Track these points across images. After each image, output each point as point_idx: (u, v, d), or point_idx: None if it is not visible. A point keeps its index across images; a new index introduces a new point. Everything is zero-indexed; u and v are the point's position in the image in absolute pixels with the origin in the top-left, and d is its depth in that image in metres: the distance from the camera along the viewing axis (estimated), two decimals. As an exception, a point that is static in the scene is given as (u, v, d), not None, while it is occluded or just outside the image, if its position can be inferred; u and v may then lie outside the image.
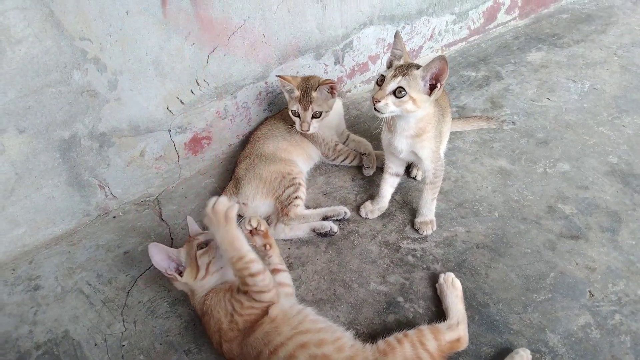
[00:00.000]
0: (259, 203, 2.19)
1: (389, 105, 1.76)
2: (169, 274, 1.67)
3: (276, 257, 1.86)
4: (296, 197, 2.15)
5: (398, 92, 1.75)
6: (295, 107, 2.26)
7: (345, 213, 2.18)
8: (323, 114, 2.28)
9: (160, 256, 1.67)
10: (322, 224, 2.13)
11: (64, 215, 2.20)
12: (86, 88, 1.95)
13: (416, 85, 1.76)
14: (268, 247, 1.85)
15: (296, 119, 2.28)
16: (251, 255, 1.54)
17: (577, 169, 2.34)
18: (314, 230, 2.13)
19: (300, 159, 2.39)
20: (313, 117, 2.25)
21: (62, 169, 2.08)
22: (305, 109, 2.24)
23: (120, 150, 2.18)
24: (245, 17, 2.20)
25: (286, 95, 2.31)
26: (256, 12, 2.22)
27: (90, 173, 2.16)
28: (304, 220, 2.14)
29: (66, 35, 1.80)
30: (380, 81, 1.81)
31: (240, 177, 2.24)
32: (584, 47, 3.27)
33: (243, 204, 2.19)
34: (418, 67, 1.77)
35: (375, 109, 1.78)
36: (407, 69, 1.77)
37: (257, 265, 1.54)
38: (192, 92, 2.24)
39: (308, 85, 2.24)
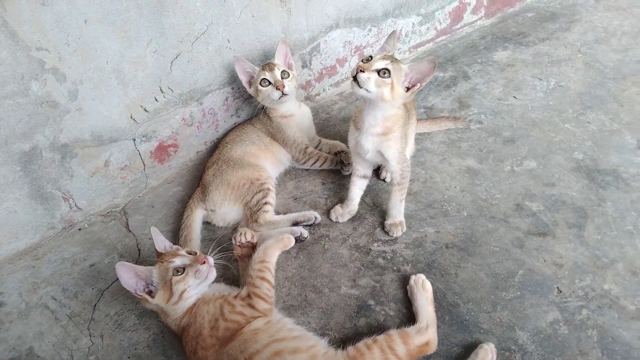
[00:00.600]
0: (227, 209, 2.17)
1: (370, 80, 1.73)
2: (139, 295, 1.61)
3: None
4: (265, 203, 2.14)
5: (382, 73, 1.73)
6: (262, 76, 2.26)
7: (316, 218, 2.17)
8: (290, 75, 2.30)
9: (128, 275, 1.60)
10: (292, 229, 2.11)
11: (28, 229, 2.14)
12: (45, 99, 1.90)
13: (399, 76, 1.76)
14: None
15: (268, 88, 2.26)
16: (272, 266, 1.73)
17: (544, 166, 2.37)
18: None
19: (269, 163, 2.38)
20: (282, 77, 2.26)
21: (23, 182, 2.03)
22: (271, 70, 2.26)
23: (84, 161, 2.14)
24: (208, 22, 2.18)
25: (244, 80, 2.33)
26: (219, 18, 2.20)
27: (53, 185, 2.11)
28: (273, 226, 2.12)
29: (22, 46, 1.76)
30: (366, 60, 1.78)
31: (207, 183, 2.21)
32: (549, 45, 3.32)
33: (211, 210, 2.16)
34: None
35: (355, 78, 1.74)
36: (395, 59, 1.78)
37: (270, 276, 1.69)
38: (156, 100, 2.21)
39: (266, 62, 2.33)
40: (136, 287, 1.61)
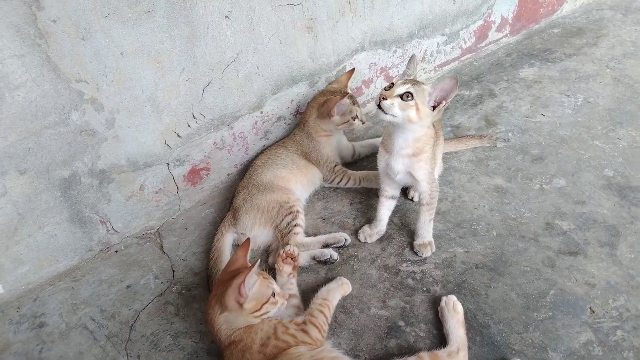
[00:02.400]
0: (258, 233, 2.22)
1: (394, 106, 1.77)
2: (244, 295, 1.60)
3: (295, 285, 1.99)
4: (295, 225, 2.17)
5: (405, 97, 1.78)
6: (355, 112, 2.43)
7: (346, 240, 2.20)
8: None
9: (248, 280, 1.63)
10: (322, 251, 2.14)
11: (67, 252, 2.22)
12: (84, 128, 1.99)
13: (422, 97, 1.80)
14: (292, 276, 1.99)
15: (355, 121, 2.45)
16: (331, 305, 1.84)
17: (574, 184, 2.35)
18: (314, 258, 2.14)
19: (299, 185, 2.42)
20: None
21: (63, 207, 2.11)
22: (359, 105, 2.47)
23: (120, 186, 2.22)
24: (238, 50, 2.25)
25: (336, 117, 2.41)
26: (249, 45, 2.27)
27: (91, 209, 2.19)
28: (304, 248, 2.15)
29: (63, 79, 1.85)
30: (389, 87, 1.84)
31: (238, 207, 2.26)
32: (576, 60, 3.31)
33: (241, 234, 2.21)
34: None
35: (379, 106, 1.79)
36: (416, 81, 1.82)
37: (328, 312, 1.79)
38: (189, 126, 2.28)
39: (342, 91, 2.46)
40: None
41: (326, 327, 1.74)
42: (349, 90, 2.49)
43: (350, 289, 1.98)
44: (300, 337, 1.62)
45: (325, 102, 2.39)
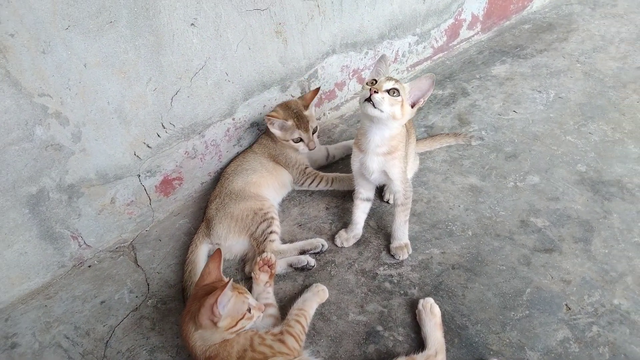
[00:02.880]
0: (233, 242, 2.19)
1: (384, 100, 1.75)
2: (218, 315, 1.55)
3: (272, 294, 1.96)
4: (270, 232, 2.15)
5: (392, 92, 1.77)
6: (296, 134, 2.34)
7: (323, 245, 2.18)
8: (317, 128, 2.46)
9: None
10: (298, 258, 2.12)
11: (39, 269, 2.17)
12: (50, 142, 1.94)
13: (405, 95, 1.82)
14: (268, 285, 1.97)
15: (299, 144, 2.36)
16: (308, 315, 1.83)
17: (547, 181, 2.37)
18: (290, 265, 2.12)
19: (271, 189, 2.41)
20: (313, 132, 2.39)
21: (32, 224, 2.06)
22: (306, 130, 2.37)
23: (90, 200, 2.17)
24: (205, 58, 2.22)
25: (276, 131, 2.37)
26: (216, 52, 2.24)
27: (62, 225, 2.15)
28: (280, 255, 2.13)
29: (25, 93, 1.80)
30: (371, 83, 1.82)
31: (211, 217, 2.24)
32: (547, 56, 3.33)
33: (216, 244, 2.18)
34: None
35: (369, 99, 1.76)
36: (396, 80, 1.83)
37: (305, 321, 1.78)
38: (159, 136, 2.24)
39: (295, 110, 2.36)
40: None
41: (303, 337, 1.73)
42: (305, 112, 2.39)
43: (327, 296, 1.96)
44: (277, 347, 1.60)
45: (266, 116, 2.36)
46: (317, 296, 1.93)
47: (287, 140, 2.37)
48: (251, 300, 1.66)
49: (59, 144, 1.97)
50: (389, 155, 1.95)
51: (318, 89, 2.45)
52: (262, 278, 1.96)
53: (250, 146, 2.57)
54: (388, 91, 1.77)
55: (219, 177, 2.51)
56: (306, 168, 2.49)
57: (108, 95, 2.01)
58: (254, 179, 2.36)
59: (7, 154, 1.87)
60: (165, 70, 2.12)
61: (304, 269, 2.11)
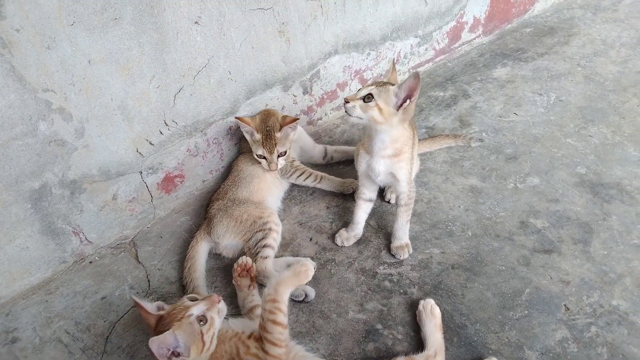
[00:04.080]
0: (229, 242, 2.20)
1: (356, 108, 1.85)
2: None
3: (257, 295, 1.91)
4: (264, 246, 2.10)
5: (367, 98, 1.83)
6: (259, 151, 2.30)
7: (306, 295, 2.00)
8: (287, 152, 2.36)
9: (161, 350, 1.44)
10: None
11: (40, 264, 2.18)
12: (53, 138, 1.95)
13: (387, 98, 1.83)
14: (252, 287, 1.93)
15: (262, 160, 2.32)
16: (284, 306, 1.54)
17: (547, 182, 2.38)
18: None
19: (271, 187, 2.40)
20: (279, 156, 2.32)
21: (34, 219, 2.07)
22: (270, 152, 2.29)
23: (92, 196, 2.18)
24: (209, 56, 2.23)
25: (247, 136, 2.34)
26: (219, 51, 2.25)
27: (64, 220, 2.16)
28: (264, 281, 2.01)
29: (29, 89, 1.81)
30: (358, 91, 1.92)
31: (212, 215, 2.25)
32: (548, 59, 3.35)
33: (215, 242, 2.20)
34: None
35: (345, 109, 1.89)
36: (383, 83, 1.87)
37: (283, 317, 1.53)
38: (161, 133, 2.25)
39: (268, 127, 2.29)
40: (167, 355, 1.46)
41: (285, 335, 1.54)
42: (277, 134, 2.29)
43: (310, 277, 1.64)
44: (262, 356, 1.52)
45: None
46: (296, 278, 1.60)
47: (251, 152, 2.35)
48: (194, 310, 1.51)
49: (62, 139, 1.98)
50: (395, 158, 1.97)
51: (297, 119, 2.33)
52: (243, 283, 1.93)
53: (239, 154, 2.55)
54: (363, 98, 1.85)
55: (220, 175, 2.53)
56: (293, 161, 2.48)
57: (112, 91, 2.02)
58: (257, 185, 2.35)
59: (11, 149, 1.88)
60: (168, 67, 2.13)
61: (302, 301, 2.02)
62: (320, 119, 2.96)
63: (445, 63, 3.47)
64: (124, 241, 2.38)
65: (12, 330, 2.04)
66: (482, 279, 1.98)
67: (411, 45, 3.17)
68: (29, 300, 2.15)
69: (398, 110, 1.84)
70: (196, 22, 2.12)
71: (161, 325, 1.50)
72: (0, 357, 1.93)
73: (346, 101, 1.87)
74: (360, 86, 3.02)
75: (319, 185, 2.48)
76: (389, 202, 2.40)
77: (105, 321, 2.03)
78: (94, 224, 2.26)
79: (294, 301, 1.98)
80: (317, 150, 2.66)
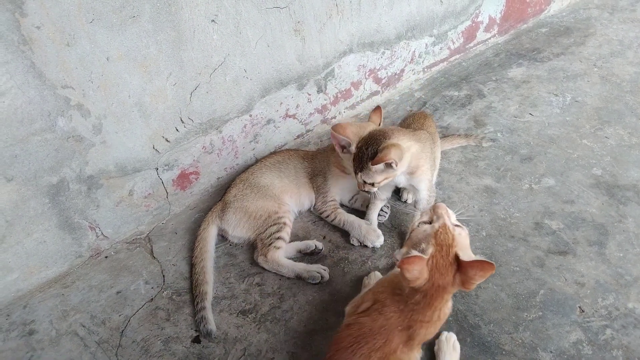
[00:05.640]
0: (238, 234, 2.25)
1: (374, 186, 1.95)
2: None
3: None
4: (278, 238, 2.14)
5: (369, 182, 1.93)
6: (348, 163, 2.18)
7: (322, 277, 2.07)
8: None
9: None
10: (306, 243, 2.21)
11: (57, 258, 2.21)
12: (71, 134, 1.98)
13: (374, 174, 1.90)
14: None
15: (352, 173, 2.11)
16: None
17: (562, 184, 2.37)
18: (299, 251, 2.21)
19: (293, 201, 2.38)
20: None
21: (51, 214, 2.10)
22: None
23: (109, 191, 2.21)
24: (225, 54, 2.24)
25: (336, 146, 2.18)
26: (236, 49, 2.27)
27: (80, 215, 2.18)
28: (278, 268, 2.11)
29: (48, 85, 1.84)
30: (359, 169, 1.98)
31: (228, 202, 2.28)
32: (564, 60, 3.33)
33: (223, 229, 2.25)
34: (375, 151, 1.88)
35: (373, 191, 2.02)
36: (362, 163, 1.91)
37: None
38: (177, 130, 2.27)
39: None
40: None
41: None
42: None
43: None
44: None
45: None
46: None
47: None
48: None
49: (80, 135, 2.01)
50: (412, 175, 2.00)
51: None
52: None
53: (305, 151, 2.52)
54: (368, 183, 1.95)
55: (235, 172, 2.55)
56: (331, 200, 2.36)
57: (129, 88, 2.04)
58: (280, 185, 2.34)
59: (30, 144, 1.91)
60: (185, 65, 2.15)
61: (312, 253, 2.18)
62: (334, 117, 2.97)
63: (460, 62, 3.46)
64: (139, 236, 2.40)
65: (30, 322, 2.07)
66: (496, 280, 1.98)
67: (426, 45, 3.17)
68: (46, 294, 2.18)
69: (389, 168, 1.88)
70: (213, 21, 2.14)
71: None
72: (18, 349, 1.96)
73: (361, 189, 2.01)
74: (375, 85, 3.03)
75: (341, 227, 2.31)
76: (405, 202, 2.39)
77: (120, 315, 2.05)
78: (110, 219, 2.28)
79: (305, 254, 2.20)
80: (362, 196, 2.43)
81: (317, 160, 2.41)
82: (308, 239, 2.27)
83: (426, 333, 1.49)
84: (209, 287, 2.06)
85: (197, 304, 2.00)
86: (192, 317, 1.99)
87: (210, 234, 2.25)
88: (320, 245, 2.19)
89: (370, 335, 1.46)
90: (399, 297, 1.49)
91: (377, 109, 2.30)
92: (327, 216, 2.34)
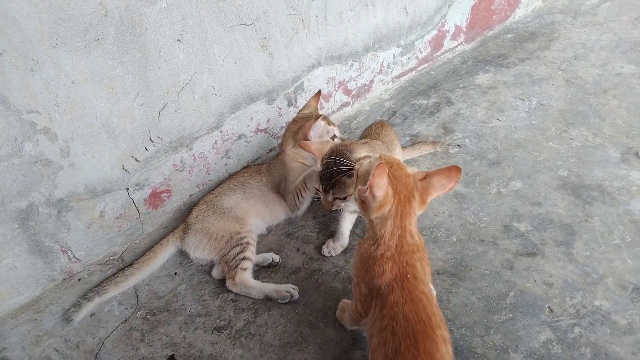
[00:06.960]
0: (200, 257, 2.27)
1: (345, 199, 1.94)
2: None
3: None
4: (243, 259, 2.13)
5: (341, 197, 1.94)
6: (333, 132, 2.35)
7: (292, 296, 2.07)
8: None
9: None
10: (263, 256, 2.25)
11: (29, 283, 2.19)
12: (39, 158, 1.97)
13: (349, 187, 1.88)
14: None
15: (336, 140, 2.31)
16: None
17: (530, 186, 2.41)
18: (256, 265, 2.24)
19: (259, 219, 2.39)
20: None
21: (22, 239, 2.08)
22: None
23: (80, 214, 2.20)
24: (192, 72, 2.26)
25: (312, 137, 2.29)
26: (203, 67, 2.28)
27: (52, 239, 2.17)
28: (246, 290, 2.10)
29: (13, 110, 1.83)
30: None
31: (189, 223, 2.29)
32: (529, 64, 3.40)
33: (184, 250, 2.28)
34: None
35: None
36: (331, 183, 1.89)
37: None
38: (147, 149, 2.28)
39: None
40: None
41: None
42: (320, 112, 2.45)
43: None
44: None
45: (300, 128, 2.33)
46: None
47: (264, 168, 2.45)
48: None
49: (47, 159, 2.00)
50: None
51: (320, 92, 2.56)
52: None
53: (264, 165, 2.52)
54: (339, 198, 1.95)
55: (207, 189, 2.55)
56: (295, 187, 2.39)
57: (96, 110, 2.05)
58: (245, 206, 2.35)
59: (-4, 170, 1.90)
60: (152, 85, 2.16)
61: (270, 266, 2.22)
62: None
63: (428, 71, 3.51)
64: (112, 257, 2.39)
65: (1, 349, 2.04)
66: (467, 284, 2.01)
67: (394, 55, 3.22)
68: (18, 320, 2.16)
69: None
70: (178, 40, 2.15)
71: None
72: (-9, 378, 1.94)
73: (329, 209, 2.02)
74: (345, 97, 3.07)
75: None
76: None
77: (94, 338, 2.04)
78: (82, 242, 2.27)
79: (262, 267, 2.25)
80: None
81: (273, 168, 2.45)
82: (282, 252, 2.29)
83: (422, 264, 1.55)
84: (115, 288, 2.17)
85: (94, 288, 2.16)
86: (167, 335, 1.99)
87: (164, 251, 2.29)
88: (277, 258, 2.23)
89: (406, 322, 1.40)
90: (376, 260, 1.51)
91: (317, 93, 2.51)
92: (299, 196, 2.35)
